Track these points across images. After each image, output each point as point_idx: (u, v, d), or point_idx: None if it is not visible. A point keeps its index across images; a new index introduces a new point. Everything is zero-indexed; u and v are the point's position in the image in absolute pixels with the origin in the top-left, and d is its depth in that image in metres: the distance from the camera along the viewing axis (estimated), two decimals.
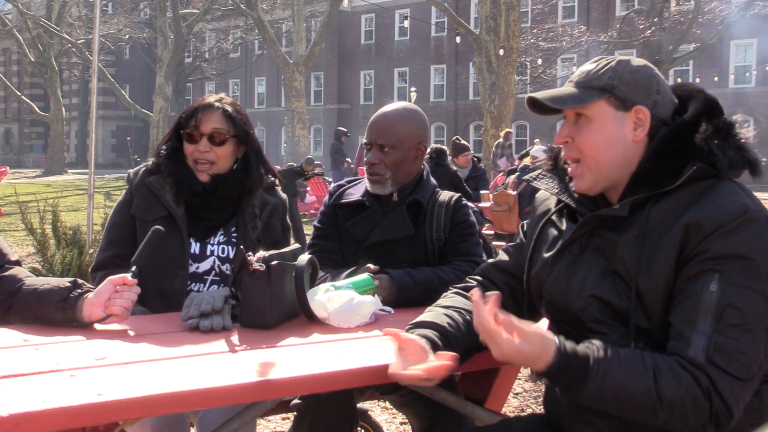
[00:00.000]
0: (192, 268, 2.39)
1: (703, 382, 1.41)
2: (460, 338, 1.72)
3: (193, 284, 2.40)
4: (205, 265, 2.41)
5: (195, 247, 2.41)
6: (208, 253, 2.42)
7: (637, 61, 1.67)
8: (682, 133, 1.58)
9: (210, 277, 2.41)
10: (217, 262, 2.41)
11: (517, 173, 8.15)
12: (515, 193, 7.81)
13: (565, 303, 1.66)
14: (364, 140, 2.63)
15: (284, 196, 2.63)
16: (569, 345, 1.48)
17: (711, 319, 1.43)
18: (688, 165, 1.54)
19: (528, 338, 1.46)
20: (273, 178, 2.59)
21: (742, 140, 1.58)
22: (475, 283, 1.91)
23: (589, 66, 1.68)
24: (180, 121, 2.46)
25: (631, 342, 1.54)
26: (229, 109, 2.43)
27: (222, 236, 2.45)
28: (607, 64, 1.65)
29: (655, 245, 1.51)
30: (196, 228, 2.42)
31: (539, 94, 1.66)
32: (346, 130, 18.19)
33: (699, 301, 1.44)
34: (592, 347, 1.49)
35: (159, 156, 2.48)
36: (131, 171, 2.52)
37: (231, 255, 2.42)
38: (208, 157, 2.39)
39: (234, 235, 2.45)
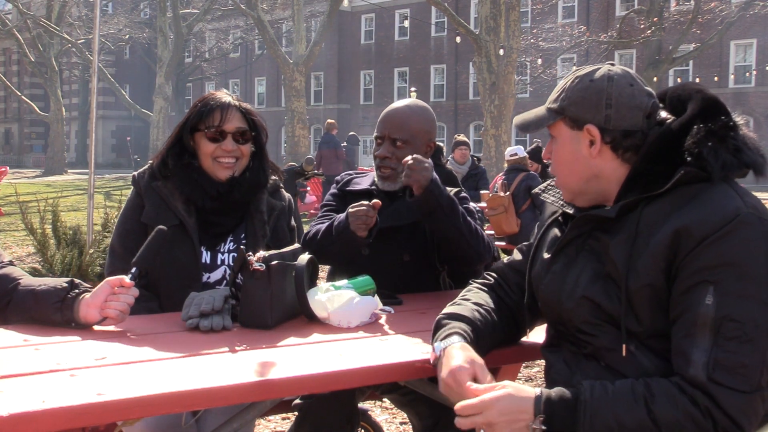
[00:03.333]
0: (203, 279, 2.31)
1: (702, 402, 1.38)
2: (486, 337, 1.75)
3: None
4: (216, 275, 2.33)
5: (206, 257, 2.33)
6: (219, 262, 2.34)
7: (596, 73, 1.62)
8: (673, 136, 1.56)
9: (221, 287, 2.31)
10: (228, 271, 2.32)
11: (503, 176, 8.28)
12: (508, 194, 7.85)
13: (557, 303, 1.67)
14: (375, 134, 2.60)
15: (288, 195, 2.58)
16: (554, 392, 1.47)
17: (709, 333, 1.40)
18: (679, 168, 1.52)
19: (500, 399, 1.45)
20: (276, 178, 2.52)
21: (745, 141, 1.54)
22: (492, 280, 1.92)
23: (560, 83, 1.71)
24: (189, 122, 2.35)
25: (622, 344, 1.53)
26: (245, 108, 2.38)
27: (231, 243, 2.37)
28: (566, 82, 1.67)
29: (643, 248, 1.51)
30: (205, 236, 2.34)
31: (517, 118, 1.75)
32: (356, 136, 18.12)
33: (696, 315, 1.42)
34: (580, 387, 1.47)
35: (164, 160, 2.37)
36: (136, 173, 2.42)
37: None
38: (234, 155, 2.33)
39: (244, 242, 2.37)
